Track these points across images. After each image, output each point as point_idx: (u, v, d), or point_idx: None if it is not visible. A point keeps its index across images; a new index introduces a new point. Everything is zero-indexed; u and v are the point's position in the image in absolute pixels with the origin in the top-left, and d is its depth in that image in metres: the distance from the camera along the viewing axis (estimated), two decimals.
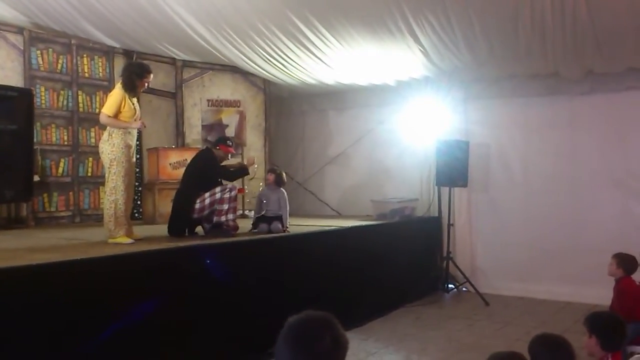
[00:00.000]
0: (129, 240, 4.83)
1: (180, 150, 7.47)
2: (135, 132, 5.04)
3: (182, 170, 6.02)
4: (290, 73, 8.01)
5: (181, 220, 5.36)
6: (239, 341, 4.61)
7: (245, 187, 7.52)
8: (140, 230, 5.42)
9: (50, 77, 6.84)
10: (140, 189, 7.33)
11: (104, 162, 4.95)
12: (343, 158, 8.97)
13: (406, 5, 5.81)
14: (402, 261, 6.95)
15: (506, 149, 7.60)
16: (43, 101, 6.74)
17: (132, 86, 4.95)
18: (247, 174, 5.87)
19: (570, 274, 6.91)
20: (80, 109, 7.06)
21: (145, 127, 5.37)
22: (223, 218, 5.30)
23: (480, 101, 7.74)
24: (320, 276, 5.54)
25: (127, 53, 7.55)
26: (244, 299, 4.69)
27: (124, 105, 4.87)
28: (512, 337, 5.47)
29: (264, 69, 8.04)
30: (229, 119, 8.42)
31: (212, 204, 5.28)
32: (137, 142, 7.16)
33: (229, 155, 5.76)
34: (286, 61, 7.56)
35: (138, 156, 7.27)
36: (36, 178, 6.44)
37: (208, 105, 8.32)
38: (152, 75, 5.13)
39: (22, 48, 6.63)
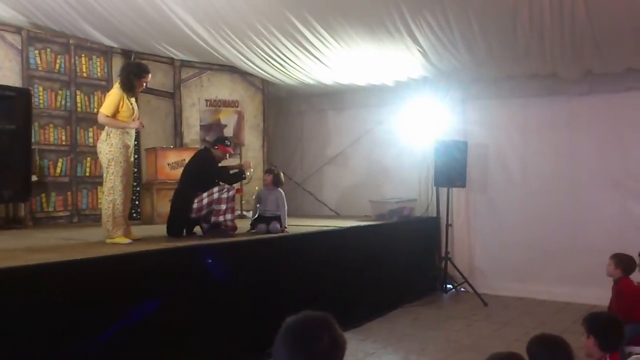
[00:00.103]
0: (127, 241, 4.82)
1: (179, 150, 7.47)
2: (133, 132, 5.03)
3: (180, 171, 6.01)
4: (289, 73, 8.01)
5: (179, 220, 5.36)
6: (238, 341, 4.60)
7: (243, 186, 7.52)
8: (139, 231, 5.41)
9: (48, 77, 6.83)
10: (138, 189, 7.32)
11: (102, 162, 4.95)
12: (341, 158, 8.96)
13: (405, 6, 5.81)
14: (400, 261, 6.95)
15: (505, 149, 7.61)
16: (41, 101, 6.72)
17: (130, 86, 4.95)
18: (244, 178, 5.88)
19: (569, 274, 6.92)
20: (78, 109, 7.05)
21: (143, 127, 5.37)
22: (221, 218, 5.30)
23: (478, 102, 7.74)
24: (319, 276, 5.53)
25: (125, 53, 7.54)
26: (242, 299, 4.69)
27: (122, 105, 4.87)
28: (510, 337, 5.47)
29: (262, 69, 8.03)
30: (227, 119, 8.41)
31: (210, 204, 5.27)
32: (136, 142, 7.15)
33: (227, 155, 5.75)
34: (284, 61, 7.55)
35: (136, 156, 7.28)
36: (34, 178, 6.43)
37: (206, 105, 8.32)
38: (150, 75, 5.12)
39: (20, 48, 6.62)
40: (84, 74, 7.14)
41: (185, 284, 4.28)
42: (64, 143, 6.92)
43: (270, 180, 5.96)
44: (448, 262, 7.42)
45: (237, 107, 8.48)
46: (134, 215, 7.13)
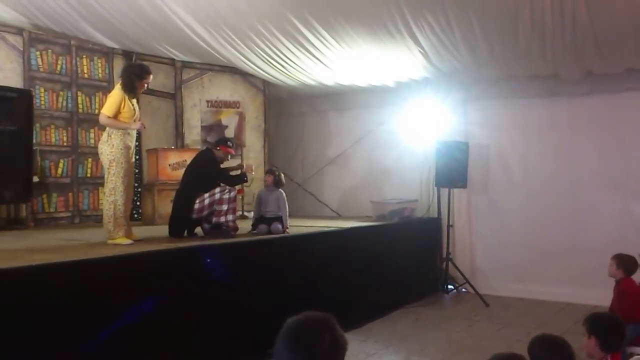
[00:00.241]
0: (128, 241, 4.82)
1: (180, 151, 7.47)
2: (134, 133, 5.03)
3: (181, 171, 6.02)
4: (290, 74, 8.01)
5: (181, 220, 5.36)
6: (239, 342, 4.61)
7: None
8: (140, 231, 5.41)
9: (50, 78, 6.84)
10: (139, 189, 7.33)
11: (103, 163, 4.96)
12: (342, 159, 8.97)
13: (406, 7, 5.81)
14: (401, 262, 6.95)
15: (506, 150, 7.61)
16: (42, 102, 6.73)
17: (131, 87, 4.95)
18: (246, 181, 5.88)
19: (570, 275, 6.92)
20: (80, 110, 7.06)
21: (144, 128, 5.37)
22: (222, 219, 5.30)
23: (479, 102, 7.74)
24: (320, 277, 5.53)
25: (127, 54, 7.55)
26: (243, 299, 4.69)
27: (124, 106, 4.87)
28: (512, 338, 5.46)
29: (263, 70, 8.04)
30: (229, 119, 8.43)
31: (211, 204, 5.27)
32: (137, 143, 7.15)
33: (229, 156, 5.76)
34: (286, 62, 7.56)
35: (137, 157, 7.28)
36: (35, 179, 6.43)
37: (207, 106, 8.33)
38: (151, 77, 5.13)
39: (21, 49, 6.63)
40: (85, 75, 7.15)
41: (186, 284, 4.29)
42: (65, 144, 6.92)
43: (271, 181, 5.96)
44: (449, 262, 7.42)
45: (238, 108, 8.49)
46: (135, 216, 7.14)
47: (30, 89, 6.53)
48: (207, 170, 5.44)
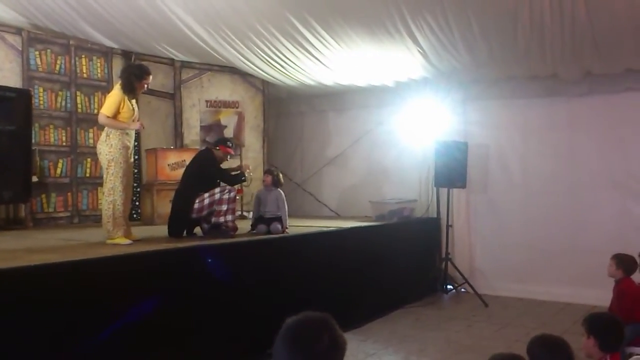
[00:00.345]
0: (128, 241, 4.82)
1: (179, 151, 7.47)
2: (132, 133, 5.03)
3: (180, 171, 6.02)
4: (289, 74, 8.01)
5: (180, 220, 5.36)
6: (238, 341, 4.61)
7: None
8: (139, 231, 5.41)
9: (49, 78, 6.83)
10: (138, 189, 7.32)
11: (101, 163, 4.96)
12: (342, 159, 8.97)
13: (405, 7, 5.81)
14: (401, 262, 6.95)
15: (505, 150, 7.61)
16: (41, 102, 6.72)
17: (131, 88, 4.95)
18: (245, 180, 5.88)
19: (570, 275, 6.92)
20: (79, 110, 7.05)
21: (144, 128, 5.37)
22: (222, 219, 5.30)
23: (479, 102, 7.75)
24: (319, 277, 5.53)
25: (126, 54, 7.55)
26: (243, 299, 4.69)
27: (123, 106, 4.87)
28: (511, 338, 5.47)
29: (262, 70, 8.03)
30: (228, 119, 8.42)
31: (211, 204, 5.27)
32: (136, 143, 7.16)
33: (228, 157, 5.76)
34: (285, 62, 7.56)
35: (136, 157, 7.28)
36: (34, 179, 6.42)
37: (207, 106, 8.32)
38: (151, 77, 5.13)
39: (20, 49, 6.62)
40: (84, 75, 7.14)
41: (185, 284, 4.28)
42: (64, 144, 6.92)
43: (269, 180, 5.96)
44: (448, 262, 7.42)
45: (237, 108, 8.49)
46: (134, 216, 7.13)
47: (29, 88, 6.52)
48: (206, 170, 5.44)
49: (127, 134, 4.91)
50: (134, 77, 4.96)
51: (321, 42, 6.79)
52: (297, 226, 6.37)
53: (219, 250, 4.77)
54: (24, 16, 6.72)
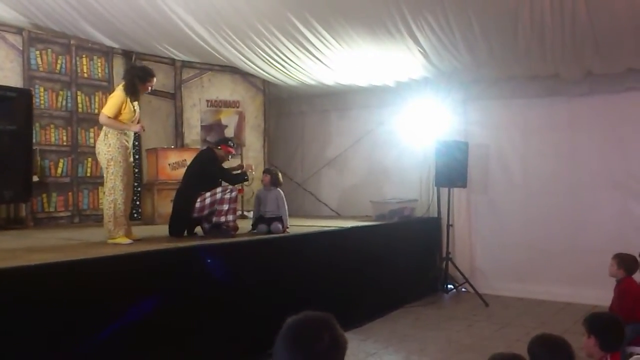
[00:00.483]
0: (128, 241, 4.82)
1: (180, 150, 7.47)
2: (131, 133, 5.03)
3: (181, 171, 6.02)
4: (290, 74, 8.01)
5: (181, 220, 5.36)
6: (239, 341, 4.61)
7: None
8: (139, 231, 5.41)
9: (49, 78, 6.84)
10: (139, 189, 7.32)
11: (101, 163, 4.96)
12: (342, 159, 8.97)
13: (405, 7, 5.81)
14: (401, 262, 6.95)
15: (505, 150, 7.61)
16: (42, 101, 6.73)
17: (134, 90, 4.94)
18: (247, 179, 5.89)
19: (570, 274, 6.91)
20: (79, 110, 7.06)
21: (144, 130, 5.36)
22: (223, 218, 5.30)
23: (479, 102, 7.74)
24: (320, 277, 5.53)
25: (126, 54, 7.55)
26: (243, 299, 4.69)
27: (124, 108, 4.87)
28: (511, 337, 5.47)
29: (263, 70, 8.04)
30: (228, 119, 8.43)
31: (212, 204, 5.27)
32: (136, 143, 7.18)
33: (229, 156, 5.76)
34: (285, 62, 7.56)
35: (137, 156, 7.29)
36: (35, 178, 6.44)
37: (207, 106, 8.33)
38: (155, 80, 5.12)
39: (21, 48, 6.63)
40: (85, 75, 7.14)
41: (186, 284, 4.28)
42: (65, 143, 6.92)
43: (268, 180, 5.96)
44: (449, 262, 7.41)
45: (238, 107, 8.49)
46: (135, 215, 7.14)
47: (30, 88, 6.53)
48: (208, 169, 5.44)
49: (125, 134, 4.91)
50: (137, 79, 4.96)
51: (322, 42, 6.79)
52: (297, 226, 6.37)
53: (220, 250, 4.77)
54: (25, 16, 6.72)
